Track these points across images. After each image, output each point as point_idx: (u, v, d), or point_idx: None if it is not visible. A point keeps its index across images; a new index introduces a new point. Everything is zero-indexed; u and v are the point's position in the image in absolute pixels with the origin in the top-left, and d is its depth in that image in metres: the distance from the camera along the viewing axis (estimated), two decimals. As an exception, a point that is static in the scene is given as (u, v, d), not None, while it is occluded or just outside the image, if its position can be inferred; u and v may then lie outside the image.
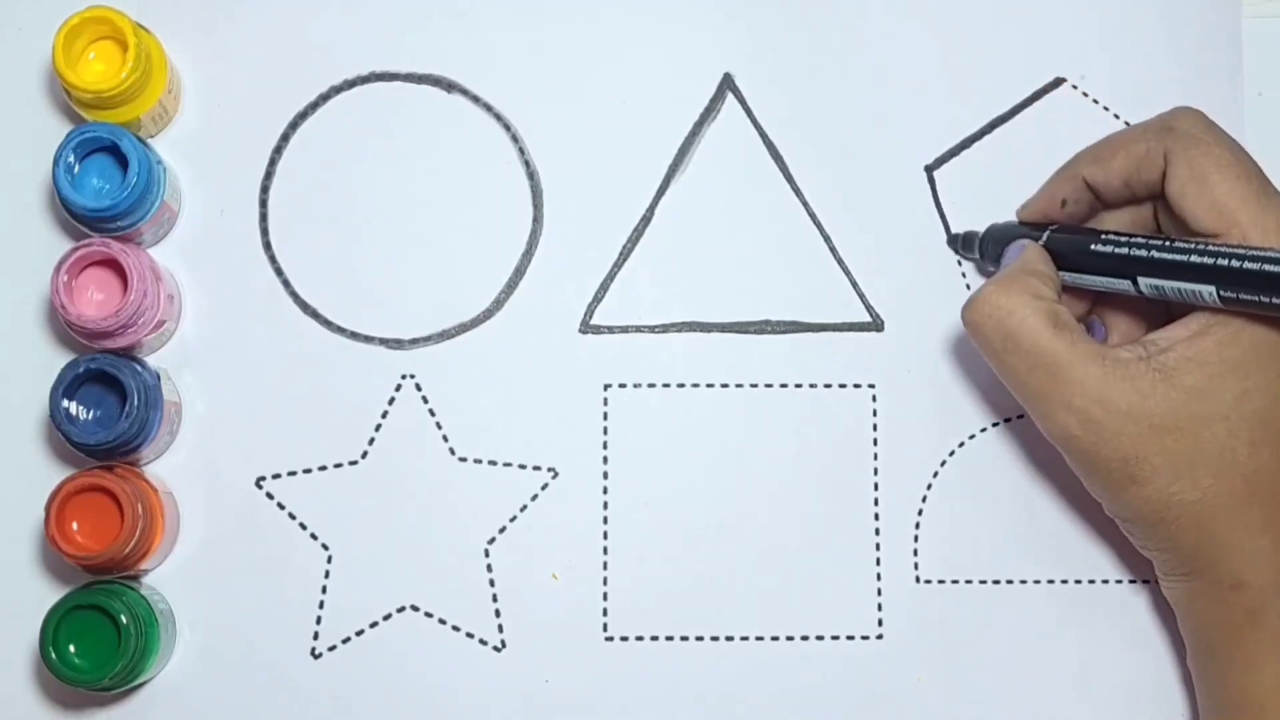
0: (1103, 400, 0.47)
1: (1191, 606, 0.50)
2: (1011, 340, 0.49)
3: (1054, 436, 0.50)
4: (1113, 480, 0.49)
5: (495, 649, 0.55)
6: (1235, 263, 0.46)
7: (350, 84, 0.57)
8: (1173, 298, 0.49)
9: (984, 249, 0.56)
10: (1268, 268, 0.45)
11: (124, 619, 0.50)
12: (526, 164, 0.57)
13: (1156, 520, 0.49)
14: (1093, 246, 0.50)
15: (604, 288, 0.57)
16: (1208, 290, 0.47)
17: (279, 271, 0.56)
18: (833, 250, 0.57)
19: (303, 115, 0.57)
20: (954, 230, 0.57)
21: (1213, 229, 0.48)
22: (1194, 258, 0.47)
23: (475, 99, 0.57)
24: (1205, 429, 0.47)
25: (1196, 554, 0.49)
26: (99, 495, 0.51)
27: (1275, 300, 0.45)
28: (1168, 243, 0.48)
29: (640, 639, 0.55)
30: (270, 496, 0.55)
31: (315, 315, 0.56)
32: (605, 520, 0.55)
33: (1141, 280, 0.49)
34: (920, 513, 0.56)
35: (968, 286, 0.57)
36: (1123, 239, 0.50)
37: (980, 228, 0.57)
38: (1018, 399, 0.51)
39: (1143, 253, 0.49)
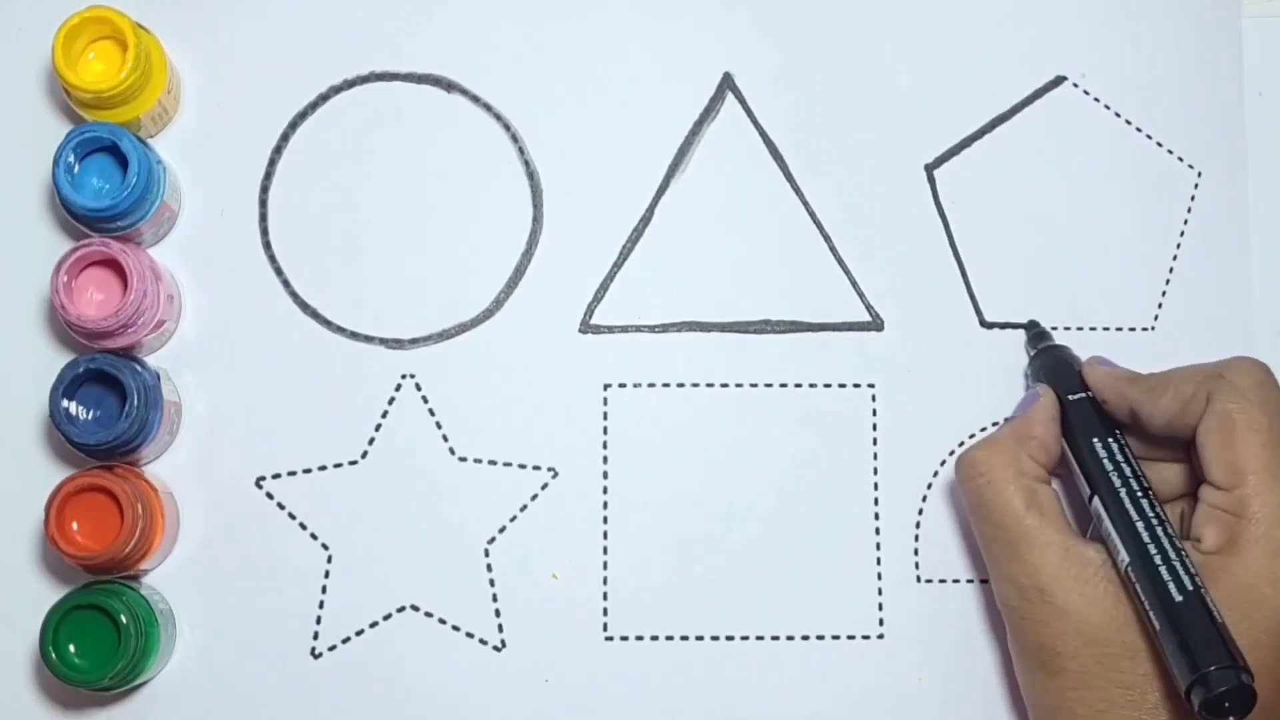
0: (1045, 590, 0.48)
1: None
2: (984, 508, 0.50)
3: (996, 597, 0.51)
4: (1026, 659, 0.50)
5: (495, 649, 0.55)
6: (1155, 556, 0.47)
7: (350, 84, 0.57)
8: (1101, 534, 0.49)
9: (1031, 362, 0.56)
10: (1168, 588, 0.46)
11: (124, 619, 0.50)
12: (526, 164, 0.57)
13: (1047, 713, 0.49)
14: (1093, 439, 0.51)
15: (604, 287, 0.57)
16: (1121, 559, 0.48)
17: (279, 271, 0.56)
18: (833, 250, 0.57)
19: (303, 115, 0.57)
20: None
21: (1223, 483, 0.48)
22: (1138, 523, 0.48)
23: (475, 99, 0.57)
24: (1124, 662, 0.47)
25: None
26: (99, 495, 0.51)
27: (1152, 620, 0.46)
28: (1140, 492, 0.49)
29: (640, 639, 0.55)
30: (270, 496, 0.55)
31: (315, 315, 0.56)
32: (605, 520, 0.55)
33: (1094, 501, 0.50)
34: (920, 512, 0.56)
35: (968, 286, 0.57)
36: (1120, 457, 0.50)
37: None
38: (982, 555, 0.52)
39: (1113, 480, 0.49)
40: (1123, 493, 0.49)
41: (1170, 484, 0.52)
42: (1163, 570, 0.46)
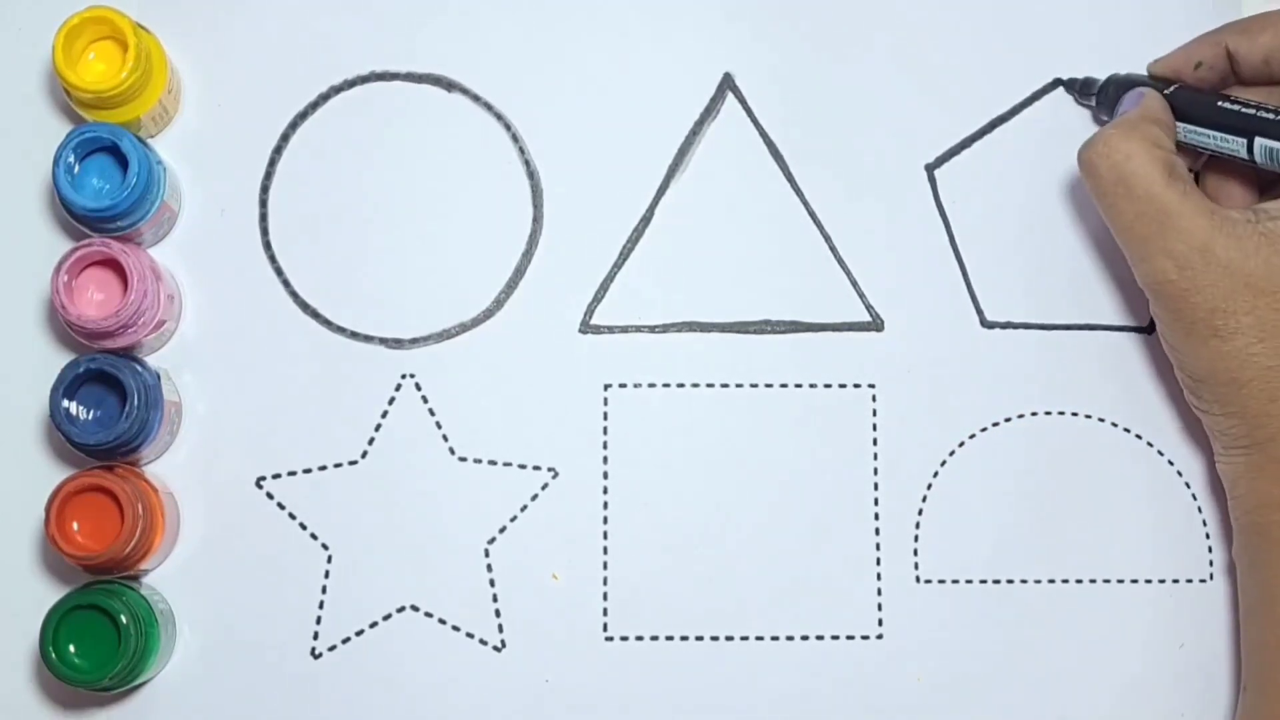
0: (1205, 250, 0.49)
1: (1248, 484, 0.51)
2: (1125, 184, 0.50)
3: (1148, 280, 0.51)
4: (1196, 331, 0.50)
5: (495, 649, 0.55)
6: None
7: (350, 84, 0.57)
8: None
9: (1102, 95, 0.56)
10: None
11: (124, 619, 0.50)
12: (526, 163, 0.57)
13: (1229, 380, 0.50)
14: (1219, 104, 0.51)
15: (604, 287, 0.57)
16: None
17: (279, 271, 0.56)
18: (833, 250, 0.57)
19: (303, 115, 0.57)
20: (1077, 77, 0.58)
21: None
22: None
23: (475, 98, 0.57)
24: None
25: (1263, 423, 0.50)
26: (99, 495, 0.51)
27: None
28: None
29: (640, 639, 0.55)
30: (270, 496, 0.55)
31: (315, 315, 0.56)
32: (605, 520, 0.55)
33: (1258, 142, 0.50)
34: (920, 512, 0.56)
35: (969, 286, 0.57)
36: (1249, 103, 0.51)
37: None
38: (1119, 241, 0.52)
39: (1269, 114, 0.50)
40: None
41: None
42: None
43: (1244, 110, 0.51)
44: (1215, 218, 0.49)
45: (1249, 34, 0.52)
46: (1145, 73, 0.56)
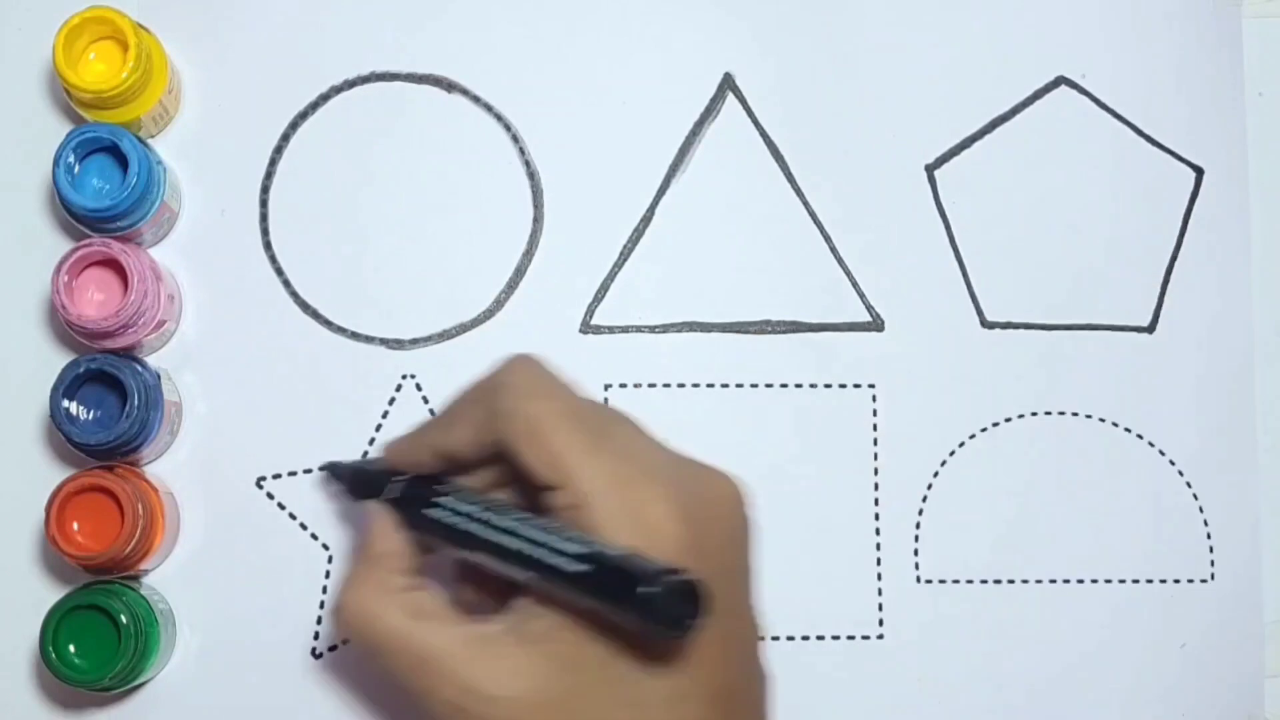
0: (471, 689, 0.43)
1: None
2: (377, 645, 0.45)
3: None
4: None
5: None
6: (540, 554, 0.42)
7: (351, 84, 0.57)
8: (497, 572, 0.44)
9: (347, 487, 0.52)
10: (566, 564, 0.41)
11: (124, 619, 0.50)
12: (527, 164, 0.57)
13: None
14: (424, 510, 0.47)
15: (604, 288, 0.57)
16: (521, 574, 0.43)
17: (279, 271, 0.56)
18: (833, 250, 0.57)
19: (303, 115, 0.56)
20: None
21: (552, 481, 0.43)
22: (509, 541, 0.43)
23: (475, 99, 0.57)
24: (579, 698, 0.42)
25: None
26: (99, 495, 0.51)
27: (580, 598, 0.42)
28: (494, 517, 0.44)
29: (640, 639, 0.55)
30: (271, 496, 0.55)
31: (316, 315, 0.56)
32: (605, 520, 0.55)
33: (471, 554, 0.45)
34: (920, 512, 0.56)
35: (969, 286, 0.57)
36: (459, 505, 0.46)
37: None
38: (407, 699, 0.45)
39: (467, 526, 0.45)
40: (486, 522, 0.45)
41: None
42: (549, 559, 0.42)
43: (443, 519, 0.46)
44: (474, 646, 0.43)
45: (446, 430, 0.47)
46: (369, 460, 0.52)
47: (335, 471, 0.53)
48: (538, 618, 0.43)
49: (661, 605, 0.39)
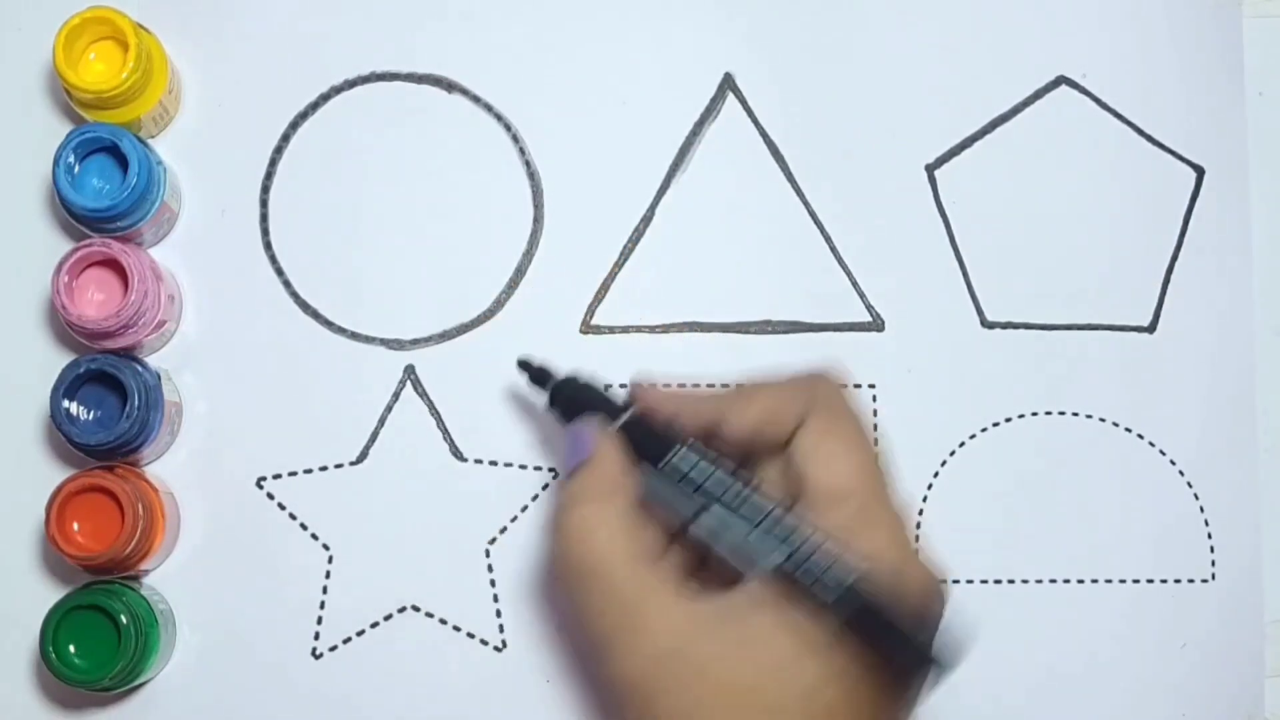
0: (676, 653, 0.42)
1: None
2: (588, 568, 0.44)
3: (612, 681, 0.44)
4: None
5: (496, 649, 0.55)
6: (809, 545, 0.42)
7: (351, 84, 0.57)
8: (722, 551, 0.44)
9: (555, 396, 0.50)
10: (832, 575, 0.41)
11: (124, 619, 0.50)
12: (527, 164, 0.57)
13: None
14: (664, 461, 0.45)
15: (604, 288, 0.57)
16: (775, 557, 0.42)
17: (279, 271, 0.56)
18: (833, 250, 0.57)
19: (303, 115, 0.56)
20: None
21: (828, 494, 0.44)
22: (776, 519, 0.43)
23: (476, 99, 0.57)
24: (778, 689, 0.42)
25: None
26: (100, 495, 0.51)
27: (828, 613, 0.41)
28: (753, 486, 0.44)
29: (641, 639, 0.55)
30: (271, 497, 0.55)
31: (316, 315, 0.56)
32: (606, 520, 0.55)
33: (706, 517, 0.44)
34: (921, 512, 0.56)
35: (969, 286, 0.57)
36: (699, 461, 0.45)
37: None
38: (589, 634, 0.45)
39: (722, 490, 0.44)
40: (738, 493, 0.44)
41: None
42: (811, 580, 0.42)
43: (689, 475, 0.45)
44: (689, 613, 0.43)
45: (736, 407, 0.46)
46: (595, 381, 0.50)
47: (539, 376, 0.50)
48: (760, 613, 0.43)
49: (932, 659, 0.40)
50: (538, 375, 0.51)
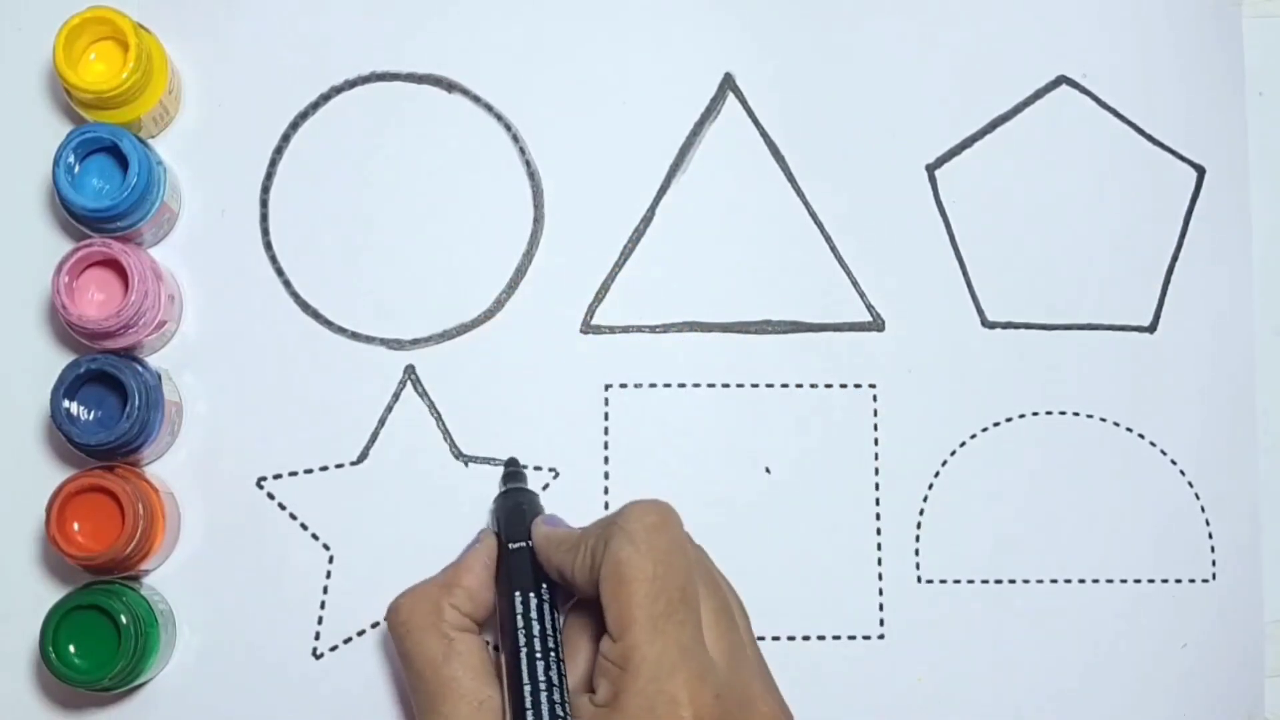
0: None
1: None
2: (405, 656, 0.49)
3: None
4: None
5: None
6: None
7: (351, 84, 0.57)
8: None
9: (495, 501, 0.54)
10: None
11: (124, 619, 0.50)
12: (527, 164, 0.57)
13: None
14: (515, 592, 0.49)
15: (604, 288, 0.57)
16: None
17: (280, 272, 0.56)
18: (834, 250, 0.57)
19: (304, 115, 0.56)
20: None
21: (614, 633, 0.46)
22: (525, 685, 0.47)
23: (476, 99, 0.57)
24: None
25: None
26: (100, 496, 0.51)
27: None
28: (539, 652, 0.47)
29: (641, 639, 0.55)
30: (271, 496, 0.55)
31: (316, 315, 0.56)
32: (606, 520, 0.55)
33: (499, 655, 0.49)
34: (921, 512, 0.56)
35: (969, 286, 0.57)
36: (532, 613, 0.49)
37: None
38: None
39: (518, 638, 0.48)
40: (523, 652, 0.48)
41: None
42: None
43: (516, 613, 0.49)
44: (481, 711, 0.47)
45: (566, 554, 0.49)
46: (539, 505, 0.53)
47: (513, 476, 0.54)
48: None
49: None
50: (507, 474, 0.54)
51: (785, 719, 0.47)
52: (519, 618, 0.49)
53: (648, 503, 0.48)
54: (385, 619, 0.50)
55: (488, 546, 0.51)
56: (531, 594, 0.49)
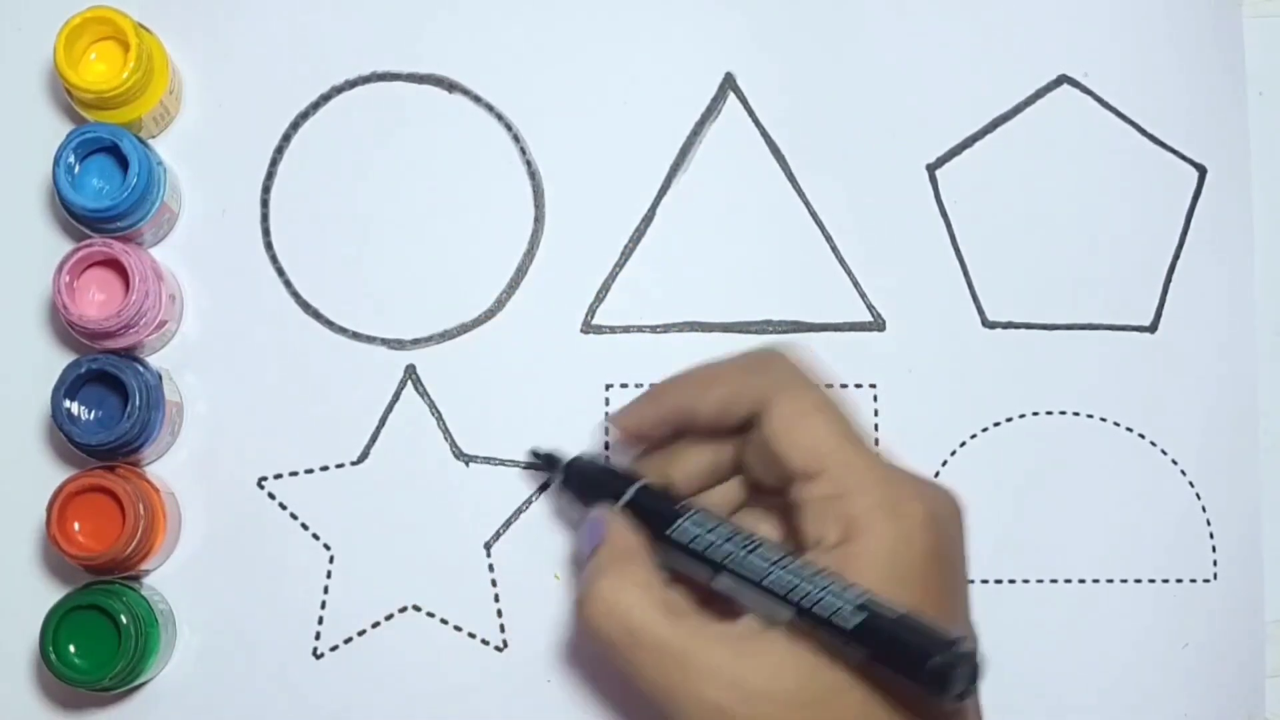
0: (735, 685, 0.43)
1: None
2: (633, 639, 0.45)
3: None
4: None
5: (497, 649, 0.55)
6: (808, 598, 0.43)
7: (352, 84, 0.57)
8: (746, 604, 0.45)
9: (567, 480, 0.52)
10: (839, 616, 0.42)
11: (124, 619, 0.50)
12: (528, 164, 0.57)
13: None
14: (668, 531, 0.47)
15: (605, 288, 0.57)
16: (785, 613, 0.43)
17: (280, 271, 0.56)
18: (834, 250, 0.57)
19: (304, 115, 0.56)
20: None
21: (809, 468, 0.45)
22: (773, 577, 0.44)
23: (476, 99, 0.57)
24: (838, 698, 0.43)
25: None
26: (100, 495, 0.51)
27: (852, 648, 0.42)
28: (748, 549, 0.45)
29: (642, 639, 0.55)
30: (272, 496, 0.55)
31: (317, 315, 0.56)
32: (607, 520, 0.55)
33: (721, 578, 0.45)
34: (922, 512, 0.56)
35: (970, 286, 0.57)
36: (703, 530, 0.46)
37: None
38: (648, 697, 0.45)
39: (722, 555, 0.45)
40: (741, 554, 0.45)
41: (724, 469, 0.49)
42: (826, 612, 0.42)
43: (692, 545, 0.46)
44: (734, 647, 0.44)
45: (698, 391, 0.48)
46: (597, 453, 0.53)
47: (571, 471, 0.52)
48: (795, 649, 0.43)
49: (950, 679, 0.40)
50: (548, 461, 0.53)
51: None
52: (707, 535, 0.46)
53: (783, 345, 0.48)
54: (588, 619, 0.46)
55: (613, 518, 0.48)
56: (688, 516, 0.46)
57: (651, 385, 0.51)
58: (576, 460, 0.53)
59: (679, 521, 0.47)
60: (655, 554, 0.47)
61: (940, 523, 0.45)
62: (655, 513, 0.48)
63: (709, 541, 0.46)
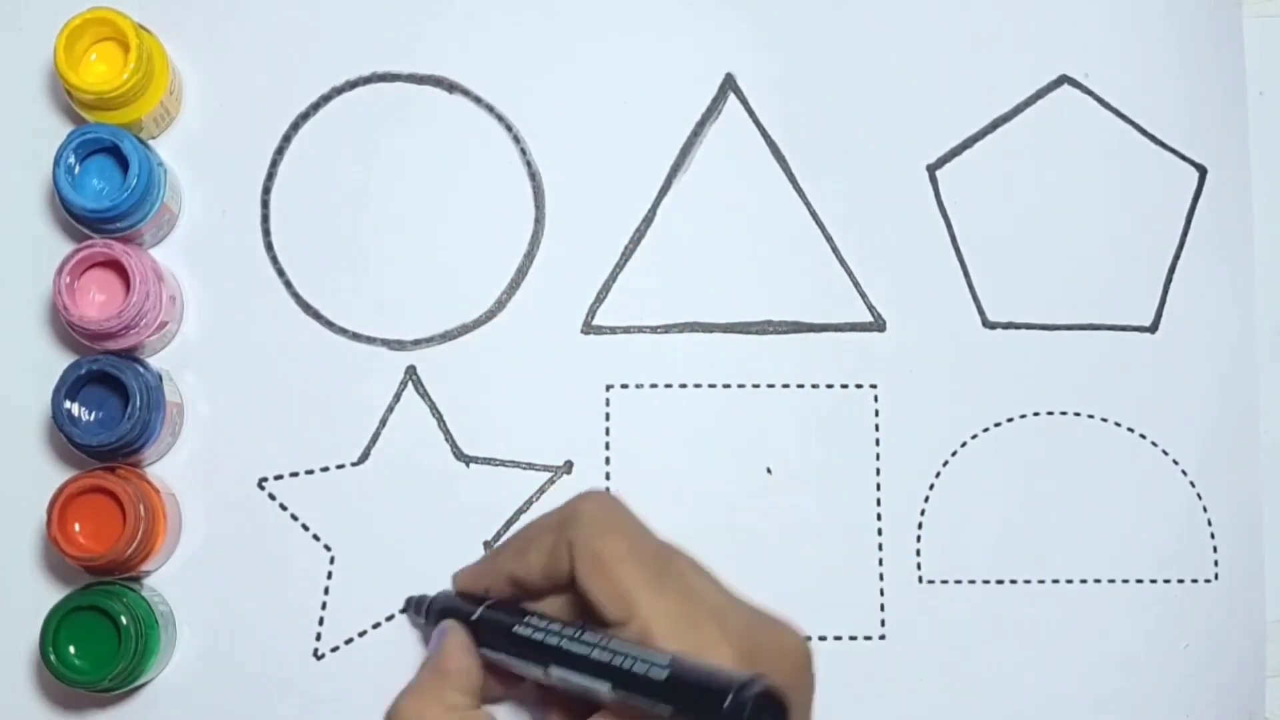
0: None
1: None
2: None
3: None
4: None
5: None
6: (626, 663, 0.43)
7: (352, 85, 0.57)
8: (576, 691, 0.45)
9: (428, 616, 0.53)
10: (651, 673, 0.43)
11: (124, 620, 0.50)
12: (528, 164, 0.57)
13: None
14: (514, 629, 0.47)
15: (606, 288, 0.57)
16: (604, 687, 0.44)
17: (281, 272, 0.56)
18: (835, 250, 0.57)
19: (305, 116, 0.56)
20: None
21: (618, 616, 0.45)
22: (595, 653, 0.44)
23: (477, 100, 0.57)
24: None
25: None
26: (101, 496, 0.51)
27: (660, 706, 0.43)
28: (578, 634, 0.46)
29: (642, 640, 0.55)
30: (272, 497, 0.55)
31: (317, 316, 0.56)
32: (607, 521, 0.55)
33: (552, 669, 0.46)
34: (923, 513, 0.56)
35: (970, 286, 0.57)
36: (543, 624, 0.47)
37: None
38: None
39: (555, 641, 0.46)
40: (572, 636, 0.46)
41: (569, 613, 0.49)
42: (635, 668, 0.43)
43: (533, 636, 0.47)
44: None
45: (519, 556, 0.48)
46: (459, 588, 0.52)
47: (419, 606, 0.53)
48: None
49: (751, 713, 0.41)
50: (416, 605, 0.53)
51: (795, 628, 0.47)
52: (534, 635, 0.47)
53: (593, 494, 0.48)
54: None
55: (454, 631, 0.49)
56: (522, 622, 0.48)
57: (489, 550, 0.53)
58: (438, 596, 0.53)
59: (524, 620, 0.48)
60: (496, 673, 0.48)
61: (754, 664, 0.44)
62: (498, 621, 0.48)
63: (545, 632, 0.47)
